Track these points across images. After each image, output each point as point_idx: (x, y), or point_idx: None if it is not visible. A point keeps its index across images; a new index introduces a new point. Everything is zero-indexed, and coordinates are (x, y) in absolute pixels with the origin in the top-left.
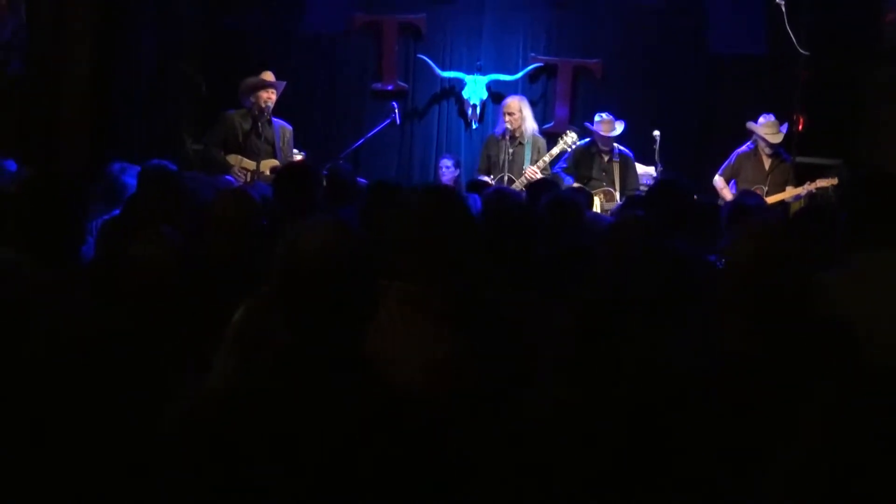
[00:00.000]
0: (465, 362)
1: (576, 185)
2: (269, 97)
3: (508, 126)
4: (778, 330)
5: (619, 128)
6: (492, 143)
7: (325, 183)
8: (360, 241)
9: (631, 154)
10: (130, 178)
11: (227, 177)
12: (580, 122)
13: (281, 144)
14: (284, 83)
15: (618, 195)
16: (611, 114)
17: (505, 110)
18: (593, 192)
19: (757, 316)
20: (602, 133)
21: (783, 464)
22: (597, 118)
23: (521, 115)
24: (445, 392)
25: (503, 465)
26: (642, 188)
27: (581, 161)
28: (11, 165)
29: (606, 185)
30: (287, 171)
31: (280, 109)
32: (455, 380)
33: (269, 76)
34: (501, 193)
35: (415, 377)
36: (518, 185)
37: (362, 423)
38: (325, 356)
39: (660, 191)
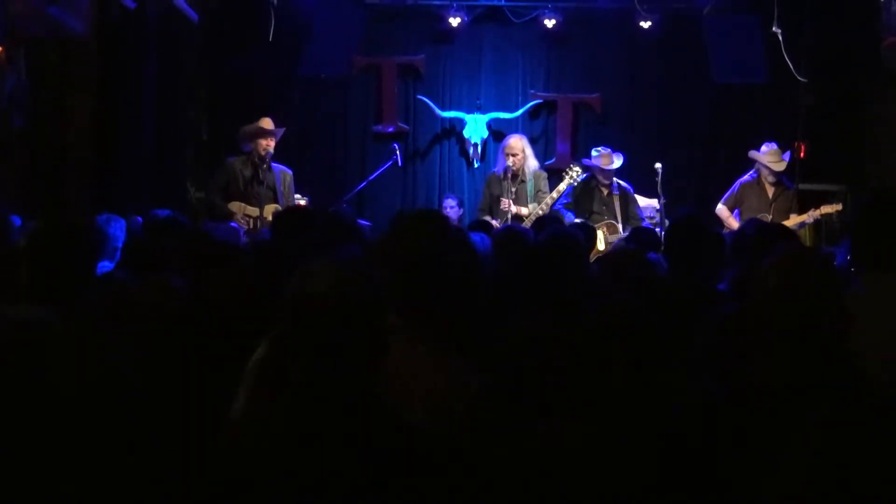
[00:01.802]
0: (479, 393)
1: (578, 220)
2: (269, 144)
3: (511, 165)
4: (807, 359)
5: (618, 161)
6: (494, 181)
7: (325, 226)
8: (368, 280)
9: (630, 187)
10: (116, 229)
11: (233, 224)
12: (582, 157)
13: (282, 189)
14: (283, 129)
15: (620, 227)
16: (608, 147)
17: (508, 151)
18: (596, 225)
19: (786, 346)
20: (601, 166)
21: (784, 480)
22: (594, 152)
23: (524, 154)
24: (459, 424)
25: (515, 496)
26: (647, 220)
27: (581, 196)
28: (16, 220)
29: (609, 219)
30: (285, 215)
31: (282, 153)
32: (468, 411)
33: (267, 123)
34: (512, 231)
35: (427, 411)
36: (527, 222)
37: (376, 461)
38: (338, 396)
39: (679, 229)
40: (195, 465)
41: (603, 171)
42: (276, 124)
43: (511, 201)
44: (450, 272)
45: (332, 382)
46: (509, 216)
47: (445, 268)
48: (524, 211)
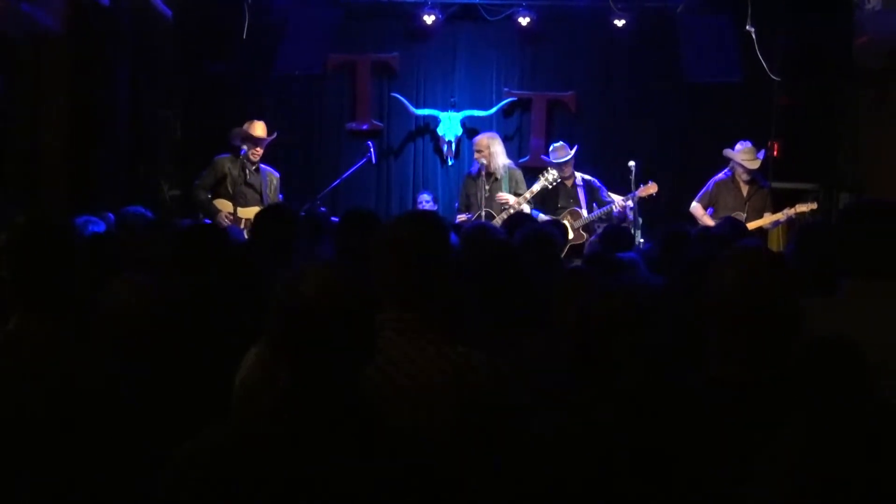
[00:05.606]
0: (490, 378)
1: (546, 217)
2: (258, 152)
3: (479, 163)
4: (760, 354)
5: (568, 151)
6: (469, 182)
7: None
8: (357, 281)
9: (595, 180)
10: (95, 228)
11: (206, 221)
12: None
13: (268, 192)
14: (276, 133)
15: (584, 212)
16: (564, 141)
17: (474, 147)
18: (561, 216)
19: (739, 341)
20: (551, 159)
21: (765, 481)
22: (551, 147)
23: (490, 151)
24: (451, 421)
25: (507, 494)
26: (624, 221)
27: (548, 193)
28: None
29: (574, 207)
30: (265, 214)
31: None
32: (478, 397)
33: (260, 130)
34: (482, 228)
35: (419, 406)
36: (498, 220)
37: (365, 466)
38: (327, 399)
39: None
40: (180, 469)
41: (555, 164)
42: (260, 120)
43: (504, 199)
44: (447, 266)
45: (320, 384)
46: (510, 210)
47: (445, 261)
48: (511, 199)
